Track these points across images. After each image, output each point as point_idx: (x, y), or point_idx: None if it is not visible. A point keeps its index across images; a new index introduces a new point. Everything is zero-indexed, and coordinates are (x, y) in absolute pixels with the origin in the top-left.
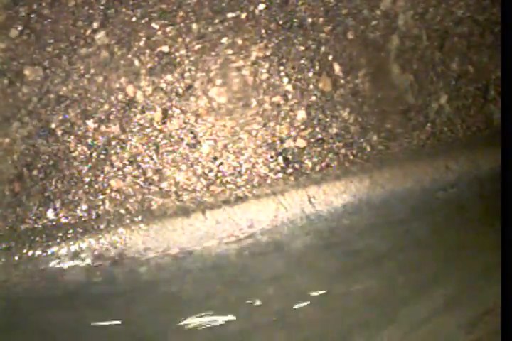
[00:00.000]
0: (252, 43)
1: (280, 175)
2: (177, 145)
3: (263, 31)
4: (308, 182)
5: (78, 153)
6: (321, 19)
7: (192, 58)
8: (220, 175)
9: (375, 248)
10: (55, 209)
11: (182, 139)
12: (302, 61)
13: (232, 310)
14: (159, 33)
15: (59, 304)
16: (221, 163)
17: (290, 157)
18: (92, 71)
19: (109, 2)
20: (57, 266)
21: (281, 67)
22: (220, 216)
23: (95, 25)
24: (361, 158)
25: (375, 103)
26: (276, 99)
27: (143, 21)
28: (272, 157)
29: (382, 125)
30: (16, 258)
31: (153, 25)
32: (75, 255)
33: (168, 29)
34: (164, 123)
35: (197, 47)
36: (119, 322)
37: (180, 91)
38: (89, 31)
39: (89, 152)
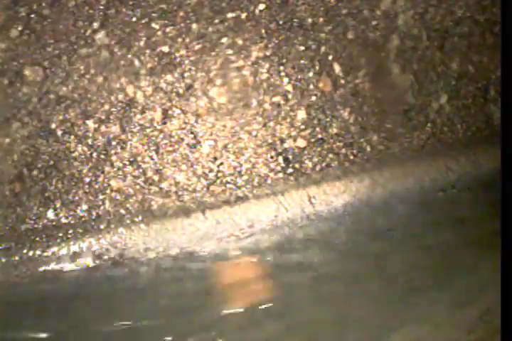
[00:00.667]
0: (252, 43)
1: (280, 175)
2: (177, 146)
3: (263, 31)
4: (309, 182)
5: (78, 153)
6: (321, 19)
7: (192, 58)
8: (220, 175)
9: (375, 248)
10: (55, 209)
11: (182, 139)
12: (302, 61)
13: None
14: (159, 33)
15: (59, 304)
16: (221, 163)
17: (290, 157)
18: (92, 71)
19: (110, 2)
20: (58, 266)
21: (282, 67)
22: (220, 216)
23: (95, 25)
24: (361, 158)
25: (375, 103)
26: (277, 99)
27: (143, 21)
28: (272, 157)
29: (383, 125)
30: (16, 258)
31: (154, 25)
32: (75, 255)
33: (168, 29)
34: (164, 123)
35: (197, 47)
36: (119, 322)
37: (181, 91)
38: (89, 31)
39: (89, 152)
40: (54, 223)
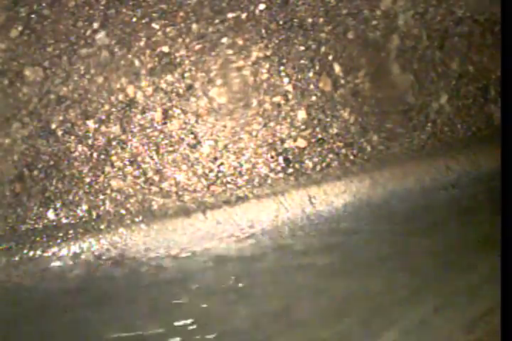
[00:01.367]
0: (253, 43)
1: (281, 175)
2: (177, 146)
3: (263, 31)
4: (309, 183)
5: (79, 153)
6: (321, 19)
7: (192, 58)
8: (220, 175)
9: (375, 248)
10: (55, 209)
11: (182, 139)
12: (302, 61)
13: None
14: (159, 33)
15: (59, 305)
16: (221, 163)
17: (291, 157)
18: (93, 71)
19: (110, 2)
20: (58, 266)
21: (282, 67)
22: (220, 216)
23: (95, 25)
24: (362, 158)
25: (375, 103)
26: (277, 99)
27: (143, 21)
28: (272, 157)
29: (383, 125)
30: (17, 258)
31: (154, 25)
32: (76, 255)
33: (168, 29)
34: (165, 123)
35: (197, 47)
36: (119, 322)
37: (181, 91)
38: (89, 31)
39: (89, 152)
40: (54, 223)
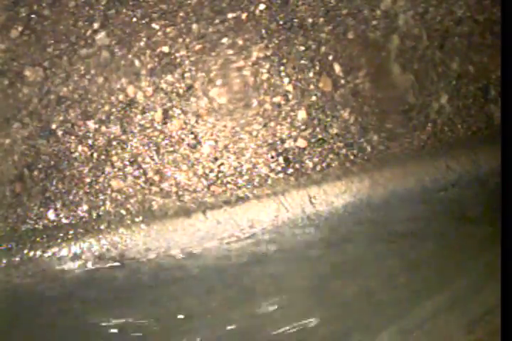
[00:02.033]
0: (253, 43)
1: (281, 175)
2: (178, 146)
3: (263, 31)
4: (309, 183)
5: (79, 153)
6: (321, 19)
7: (192, 58)
8: (220, 175)
9: (375, 248)
10: (55, 209)
11: (183, 140)
12: (302, 61)
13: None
14: (160, 33)
15: (59, 305)
16: (222, 164)
17: (291, 157)
18: (93, 71)
19: (110, 2)
20: (58, 266)
21: (282, 67)
22: (220, 216)
23: (96, 25)
24: (362, 158)
25: (375, 103)
26: (277, 99)
27: (143, 22)
28: (272, 157)
29: (383, 125)
30: (17, 258)
31: (154, 25)
32: (76, 255)
33: (168, 29)
34: (165, 123)
35: (197, 47)
36: (119, 323)
37: (181, 91)
38: (89, 32)
39: (89, 152)
40: (54, 223)
